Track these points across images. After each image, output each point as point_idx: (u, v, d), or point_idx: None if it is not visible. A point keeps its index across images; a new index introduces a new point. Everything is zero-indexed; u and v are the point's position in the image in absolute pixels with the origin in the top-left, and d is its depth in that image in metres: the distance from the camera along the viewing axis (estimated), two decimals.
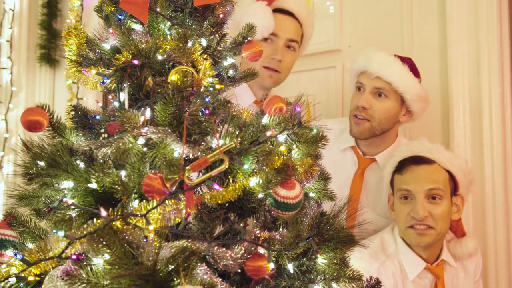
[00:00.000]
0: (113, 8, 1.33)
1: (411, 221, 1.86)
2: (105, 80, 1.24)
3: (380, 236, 2.01)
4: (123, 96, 1.24)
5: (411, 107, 2.11)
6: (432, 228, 1.85)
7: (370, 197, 2.19)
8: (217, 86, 1.27)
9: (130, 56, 1.20)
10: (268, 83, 2.15)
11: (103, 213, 1.01)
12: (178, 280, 0.94)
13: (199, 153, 1.11)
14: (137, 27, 1.34)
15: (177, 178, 1.05)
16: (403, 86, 2.05)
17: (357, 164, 2.22)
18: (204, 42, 1.32)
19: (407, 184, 1.87)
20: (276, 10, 2.12)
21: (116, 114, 1.18)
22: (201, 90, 1.19)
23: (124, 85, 1.22)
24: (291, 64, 2.19)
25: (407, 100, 2.08)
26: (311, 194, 1.39)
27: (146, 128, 1.09)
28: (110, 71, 1.22)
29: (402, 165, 1.92)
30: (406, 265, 1.89)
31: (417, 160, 1.88)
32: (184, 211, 1.08)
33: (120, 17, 1.31)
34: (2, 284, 1.09)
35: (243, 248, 1.14)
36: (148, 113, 1.16)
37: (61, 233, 1.03)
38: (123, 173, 1.13)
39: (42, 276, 1.08)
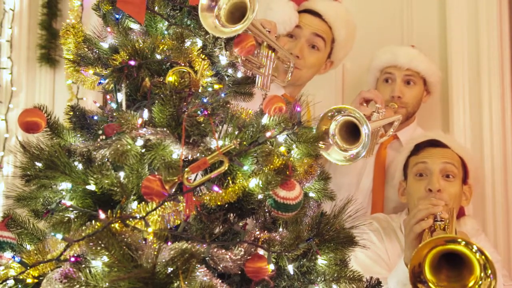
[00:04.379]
0: (110, 7, 1.32)
1: (428, 195, 1.90)
2: (102, 81, 1.23)
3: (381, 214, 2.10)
4: (121, 97, 1.23)
5: (431, 88, 2.36)
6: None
7: (389, 176, 2.25)
8: (216, 86, 1.26)
9: (127, 57, 1.18)
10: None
11: (102, 215, 1.01)
12: (178, 283, 0.94)
13: (198, 155, 1.10)
14: (135, 26, 1.33)
15: (176, 180, 1.04)
16: (429, 72, 2.31)
17: None
18: (199, 42, 1.30)
19: (424, 158, 1.98)
20: (304, 11, 2.09)
21: (114, 115, 1.17)
22: (199, 90, 1.18)
23: (122, 85, 1.21)
24: (315, 63, 2.10)
25: (430, 82, 2.34)
26: (311, 194, 1.38)
27: (145, 129, 1.08)
28: (107, 71, 1.20)
29: (418, 148, 2.03)
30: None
31: (433, 143, 2.01)
32: (183, 212, 1.08)
33: (117, 16, 1.30)
34: (0, 286, 1.08)
35: (242, 250, 1.13)
36: (146, 114, 1.15)
37: (59, 236, 1.02)
38: (121, 174, 1.12)
39: (40, 278, 1.07)
